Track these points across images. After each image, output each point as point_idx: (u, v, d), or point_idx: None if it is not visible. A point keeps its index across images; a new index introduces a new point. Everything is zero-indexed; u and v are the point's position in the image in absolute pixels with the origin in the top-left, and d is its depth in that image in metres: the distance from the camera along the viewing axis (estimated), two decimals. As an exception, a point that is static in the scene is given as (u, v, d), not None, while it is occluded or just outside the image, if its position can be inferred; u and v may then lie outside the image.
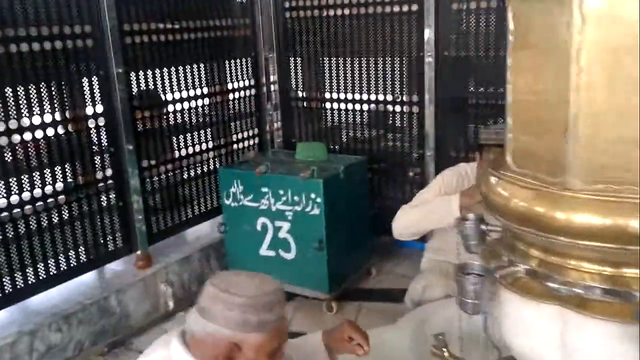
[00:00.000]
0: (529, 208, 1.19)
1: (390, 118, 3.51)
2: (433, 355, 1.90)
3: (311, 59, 3.71)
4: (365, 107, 3.59)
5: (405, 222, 2.48)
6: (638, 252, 1.08)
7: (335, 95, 3.68)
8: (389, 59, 3.39)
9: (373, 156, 3.56)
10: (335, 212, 3.01)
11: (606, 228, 1.08)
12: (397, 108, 3.45)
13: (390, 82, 3.43)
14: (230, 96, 3.73)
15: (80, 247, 2.87)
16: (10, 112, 2.51)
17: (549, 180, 1.16)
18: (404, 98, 3.41)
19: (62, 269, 2.78)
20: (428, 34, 3.12)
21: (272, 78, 3.89)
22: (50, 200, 2.70)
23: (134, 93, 3.06)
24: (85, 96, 2.85)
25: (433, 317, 2.15)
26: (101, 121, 2.91)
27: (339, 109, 3.69)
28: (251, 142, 3.95)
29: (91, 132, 2.91)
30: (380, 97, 3.49)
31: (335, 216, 3.01)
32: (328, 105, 3.72)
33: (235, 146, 3.81)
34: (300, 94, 3.85)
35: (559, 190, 1.13)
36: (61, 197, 2.75)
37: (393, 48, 3.34)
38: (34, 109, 2.60)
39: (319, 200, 2.92)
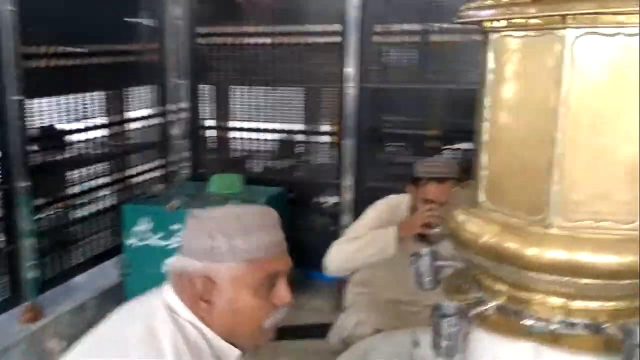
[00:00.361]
0: (505, 245, 1.17)
1: (308, 148, 3.47)
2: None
3: (225, 87, 3.58)
4: (281, 136, 3.52)
5: (341, 258, 2.40)
6: (613, 285, 1.09)
7: (250, 125, 3.58)
8: (309, 89, 3.37)
9: (288, 187, 3.48)
10: (257, 247, 2.87)
11: (583, 264, 1.08)
12: (315, 138, 3.42)
13: (309, 112, 3.40)
14: (135, 125, 3.48)
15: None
16: None
17: (529, 218, 1.15)
18: (323, 128, 3.39)
19: None
20: (349, 66, 3.14)
21: (181, 106, 3.70)
22: None
23: (29, 123, 2.72)
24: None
25: (372, 354, 2.09)
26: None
27: (254, 139, 3.59)
28: (156, 174, 3.71)
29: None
30: (299, 127, 3.45)
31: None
32: (243, 134, 3.61)
33: (138, 179, 3.55)
34: (211, 122, 3.69)
35: (541, 228, 1.12)
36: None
37: (313, 78, 3.32)
38: None
39: (239, 235, 2.77)
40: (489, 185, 1.24)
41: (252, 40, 3.41)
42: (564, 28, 1.06)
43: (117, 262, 3.11)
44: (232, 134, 3.62)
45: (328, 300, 3.57)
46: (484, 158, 1.25)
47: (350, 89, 3.16)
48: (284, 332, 3.14)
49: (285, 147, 3.51)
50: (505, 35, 1.17)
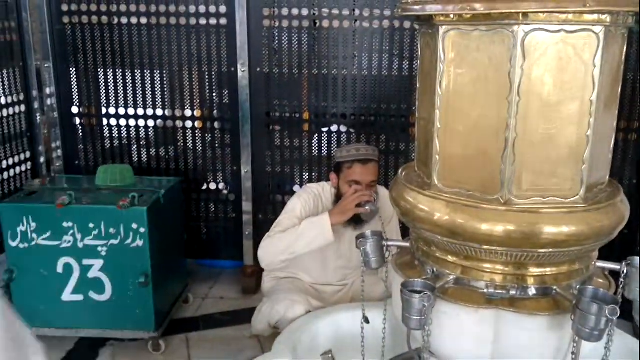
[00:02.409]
0: (460, 222, 1.28)
1: (194, 134, 3.34)
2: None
3: (96, 70, 3.29)
4: (163, 123, 3.34)
5: (275, 250, 2.39)
6: (560, 253, 1.25)
7: (130, 111, 3.34)
8: (195, 73, 3.22)
9: (179, 176, 3.33)
10: (158, 241, 2.74)
11: (535, 235, 1.23)
12: (202, 124, 3.31)
13: (193, 97, 3.27)
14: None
15: None
16: None
17: (484, 197, 1.26)
18: (215, 114, 3.29)
19: None
20: (240, 49, 3.07)
21: (47, 91, 3.33)
22: None
23: None
24: None
25: (303, 336, 2.13)
26: None
27: (136, 126, 3.36)
28: (22, 169, 3.32)
29: None
30: (181, 113, 3.31)
31: (158, 246, 2.74)
32: (122, 122, 3.36)
33: (4, 175, 3.15)
34: (85, 109, 3.38)
35: (497, 206, 1.24)
36: None
37: (200, 62, 3.19)
38: None
39: (142, 230, 2.61)
40: (443, 168, 1.34)
41: (125, 20, 3.16)
42: (516, 24, 1.17)
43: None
44: (107, 122, 3.34)
45: (228, 288, 3.53)
46: (436, 144, 1.34)
47: (244, 73, 3.10)
48: (193, 325, 3.10)
49: (168, 134, 3.34)
50: (457, 29, 1.26)
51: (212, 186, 3.40)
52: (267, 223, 3.25)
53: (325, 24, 3.05)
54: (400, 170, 1.57)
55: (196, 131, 3.33)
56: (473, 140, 1.27)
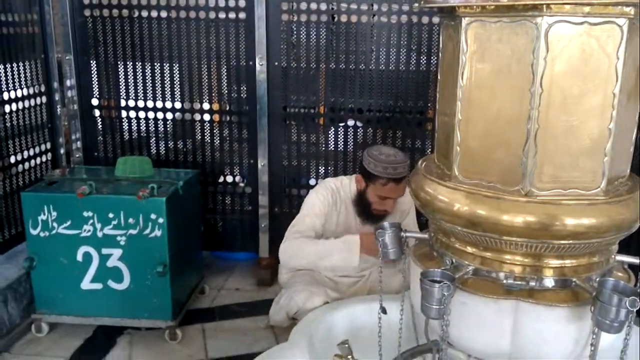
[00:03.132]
0: (481, 213, 1.29)
1: (212, 127, 3.37)
2: (337, 365, 1.91)
3: (119, 62, 3.33)
4: (181, 116, 3.38)
5: (297, 261, 2.46)
6: (580, 245, 1.26)
7: (149, 104, 3.37)
8: (214, 67, 3.25)
9: (196, 168, 3.37)
10: (176, 231, 2.78)
11: (553, 226, 1.23)
12: (220, 117, 3.34)
13: (212, 91, 3.29)
14: (15, 106, 3.12)
15: None
16: None
17: (505, 188, 1.27)
18: (233, 107, 3.31)
19: None
20: (259, 43, 3.09)
21: (68, 83, 3.38)
22: None
23: None
24: None
25: (320, 327, 2.15)
26: None
27: (154, 119, 3.40)
28: (43, 159, 3.38)
29: None
30: (200, 106, 3.33)
31: (176, 236, 2.77)
32: (141, 114, 3.39)
33: (25, 165, 3.21)
34: (104, 101, 3.42)
35: (517, 197, 1.25)
36: None
37: (219, 56, 3.22)
38: None
39: (160, 220, 2.65)
40: (463, 160, 1.35)
41: (145, 13, 3.20)
42: (540, 16, 1.17)
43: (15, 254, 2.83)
44: (126, 114, 3.39)
45: (243, 279, 3.57)
46: (457, 135, 1.35)
47: (262, 67, 3.12)
48: (209, 315, 3.14)
49: (187, 127, 3.38)
50: (480, 21, 1.26)
51: (229, 179, 3.44)
52: (283, 216, 3.29)
53: (344, 18, 3.06)
54: (420, 162, 1.58)
55: (214, 124, 3.37)
56: (494, 131, 1.27)
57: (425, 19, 3.01)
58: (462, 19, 1.29)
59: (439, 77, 1.48)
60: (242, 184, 3.41)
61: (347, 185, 2.61)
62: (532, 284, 1.29)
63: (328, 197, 2.53)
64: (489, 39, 1.24)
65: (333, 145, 3.29)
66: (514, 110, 1.23)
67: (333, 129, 3.27)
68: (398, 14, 3.02)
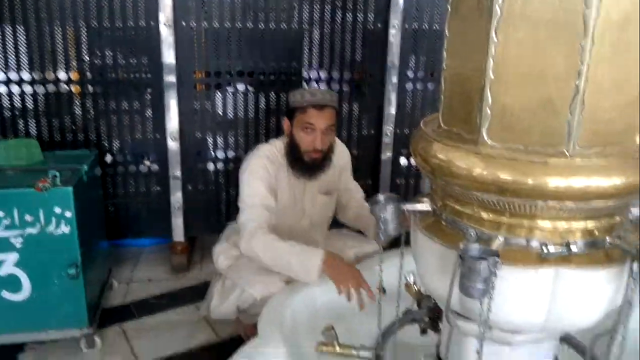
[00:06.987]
0: (517, 179, 1.19)
1: (97, 98, 2.91)
2: (322, 352, 1.79)
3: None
4: (68, 87, 2.88)
5: (265, 256, 2.13)
6: (614, 204, 1.22)
7: (12, 76, 2.81)
8: (89, 27, 2.77)
9: (90, 148, 2.90)
10: (85, 225, 2.36)
11: (597, 187, 1.18)
12: (121, 88, 2.90)
13: (94, 57, 2.83)
14: None
15: None
16: None
17: (544, 150, 1.18)
18: (131, 76, 2.88)
19: None
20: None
21: None
22: None
23: None
24: None
25: (285, 314, 1.97)
26: None
27: (15, 94, 2.84)
28: None
29: None
30: (94, 76, 2.86)
31: (85, 231, 2.36)
32: (14, 89, 2.82)
33: None
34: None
35: (561, 159, 1.17)
36: None
37: (92, 15, 2.75)
38: None
39: (68, 214, 2.23)
40: (495, 122, 1.23)
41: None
42: (590, -37, 1.07)
43: None
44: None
45: (152, 269, 3.21)
46: (487, 96, 1.22)
47: (165, 28, 2.72)
48: (126, 314, 2.78)
49: (71, 99, 2.86)
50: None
51: (130, 158, 3.02)
52: (199, 194, 2.99)
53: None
54: (421, 125, 1.44)
55: (109, 95, 2.90)
56: (536, 90, 1.16)
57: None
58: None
59: (446, 34, 1.34)
60: (147, 162, 3.02)
61: (281, 147, 2.39)
62: (573, 248, 1.23)
63: (267, 167, 2.29)
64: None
65: (253, 113, 3.03)
66: (560, 65, 1.13)
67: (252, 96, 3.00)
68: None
